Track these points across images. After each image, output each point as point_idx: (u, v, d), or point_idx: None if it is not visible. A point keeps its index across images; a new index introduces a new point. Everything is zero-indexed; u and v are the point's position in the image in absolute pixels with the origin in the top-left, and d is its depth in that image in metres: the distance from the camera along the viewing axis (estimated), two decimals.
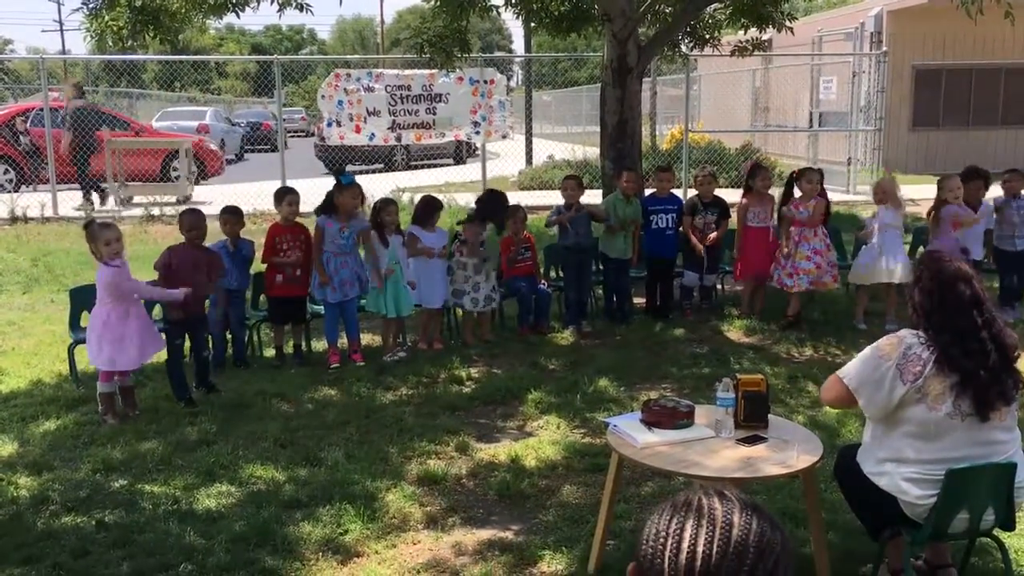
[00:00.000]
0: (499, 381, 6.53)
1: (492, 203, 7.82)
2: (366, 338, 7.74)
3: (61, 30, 61.00)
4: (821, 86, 18.43)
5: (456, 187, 17.20)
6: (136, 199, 15.94)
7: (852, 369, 3.39)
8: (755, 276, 8.25)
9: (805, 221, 7.80)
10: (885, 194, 7.70)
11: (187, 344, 6.32)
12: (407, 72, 14.06)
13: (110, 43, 8.71)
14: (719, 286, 8.97)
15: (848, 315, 8.10)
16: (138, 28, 8.39)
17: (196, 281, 6.16)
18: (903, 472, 3.33)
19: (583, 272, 8.09)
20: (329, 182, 7.31)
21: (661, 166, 8.85)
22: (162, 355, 6.20)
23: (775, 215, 8.11)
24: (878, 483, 3.40)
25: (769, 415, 3.83)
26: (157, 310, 6.75)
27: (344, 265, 7.05)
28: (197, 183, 19.70)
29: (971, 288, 3.30)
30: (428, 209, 7.58)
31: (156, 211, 14.41)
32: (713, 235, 8.23)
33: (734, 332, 7.91)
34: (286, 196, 7.21)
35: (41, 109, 15.61)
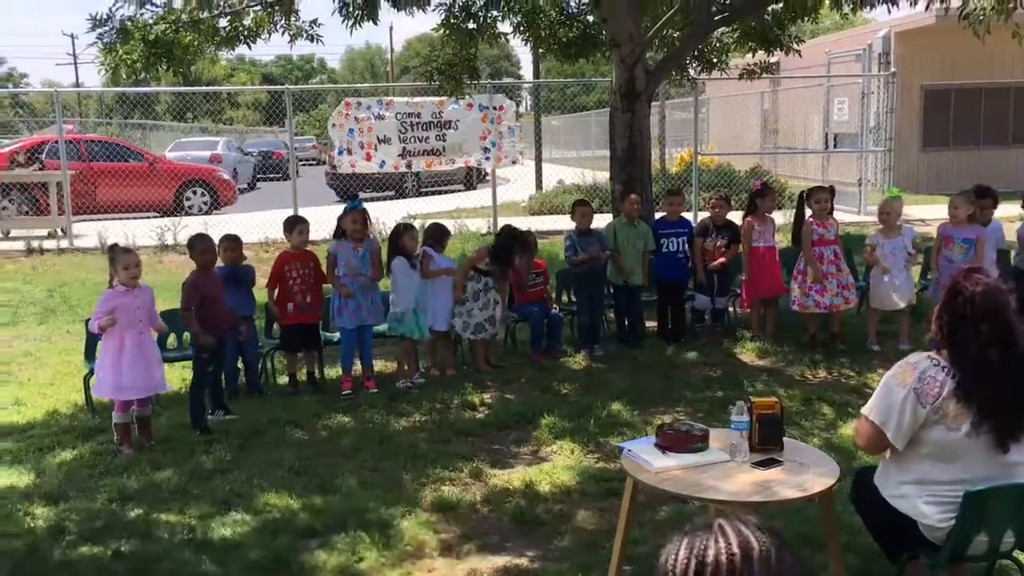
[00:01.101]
0: (512, 406, 6.53)
1: (510, 244, 7.79)
2: (379, 364, 7.75)
3: (75, 63, 61.64)
4: (835, 107, 18.44)
5: (467, 213, 17.28)
6: (13, 232, 15.62)
7: (874, 405, 3.36)
8: (763, 297, 8.25)
9: (832, 239, 7.80)
10: (887, 216, 7.72)
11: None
12: (417, 100, 14.15)
13: (124, 76, 8.82)
14: (731, 308, 8.95)
15: (861, 336, 8.07)
16: (151, 61, 8.50)
17: (220, 306, 6.25)
18: (922, 494, 3.31)
19: (595, 296, 8.10)
20: (340, 210, 7.35)
21: (671, 189, 8.87)
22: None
23: (791, 236, 8.11)
24: (896, 506, 3.37)
25: (784, 438, 3.82)
26: (186, 335, 6.78)
27: (360, 288, 7.07)
28: (210, 212, 19.89)
29: (1002, 320, 3.15)
30: (438, 233, 7.61)
31: (35, 244, 14.17)
32: (718, 261, 8.20)
33: (747, 355, 7.89)
34: (296, 224, 7.26)
35: (56, 141, 15.77)
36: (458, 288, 7.54)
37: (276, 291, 7.20)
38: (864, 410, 3.40)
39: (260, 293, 7.48)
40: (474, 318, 7.57)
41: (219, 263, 6.86)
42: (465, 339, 7.70)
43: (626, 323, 8.37)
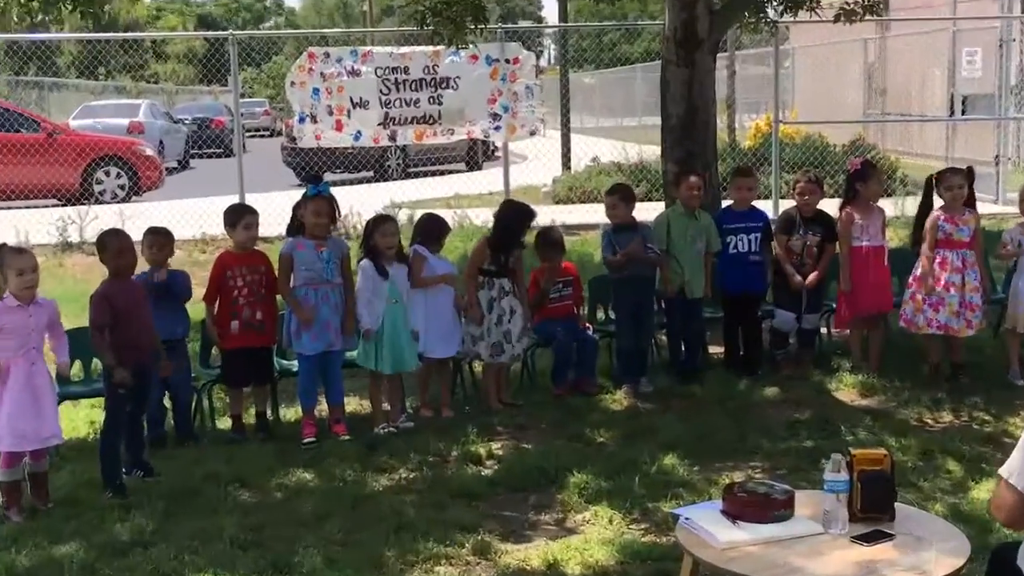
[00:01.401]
0: (530, 460, 6.52)
1: (515, 224, 7.84)
2: (352, 403, 7.75)
3: None
4: (963, 60, 18.41)
5: (470, 201, 17.36)
6: None
7: (1017, 465, 3.34)
8: (867, 313, 8.23)
9: (966, 241, 7.78)
10: None
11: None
12: (404, 50, 14.19)
13: (15, 19, 8.91)
14: (824, 329, 8.93)
15: (1000, 366, 8.03)
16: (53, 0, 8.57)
17: (143, 325, 6.25)
18: None
19: (642, 313, 8.09)
20: (299, 197, 7.38)
21: (740, 168, 8.87)
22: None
23: (912, 234, 8.10)
24: None
25: (895, 503, 3.80)
26: (96, 362, 6.82)
27: (325, 300, 7.09)
28: (128, 199, 19.99)
29: None
30: (432, 228, 7.64)
31: None
32: (813, 276, 8.16)
33: (845, 391, 7.86)
34: (242, 216, 7.27)
35: None
36: (471, 301, 7.57)
37: (216, 305, 7.22)
38: (1003, 471, 3.38)
39: (195, 309, 7.51)
40: (491, 336, 7.60)
41: (141, 268, 6.89)
42: (470, 365, 7.70)
43: (682, 348, 8.35)
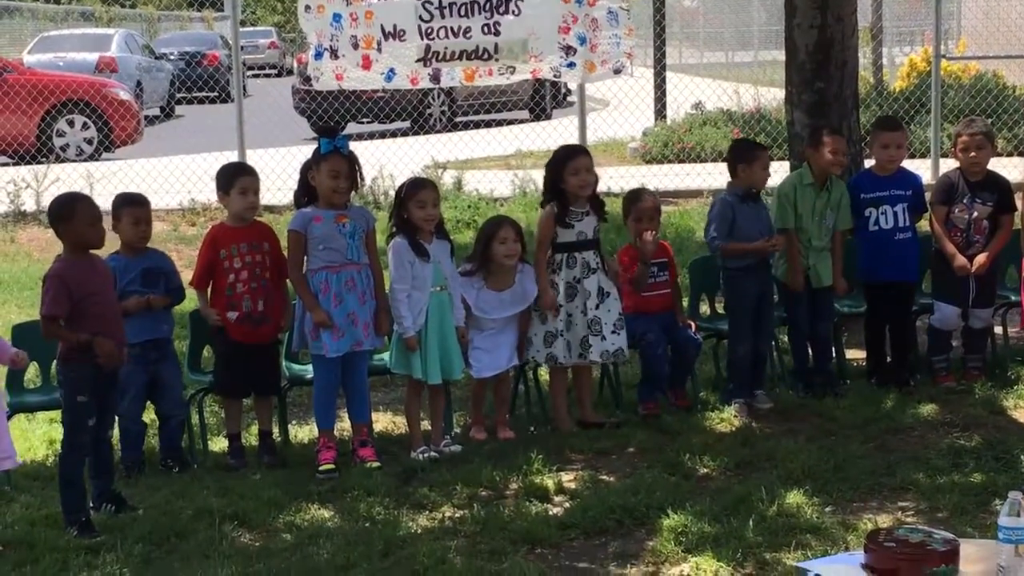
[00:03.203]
0: (611, 496, 6.53)
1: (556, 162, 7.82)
2: (382, 419, 7.79)
3: None
4: None
5: (535, 160, 17.33)
6: None
7: None
8: None
9: None
10: None
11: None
12: None
13: None
14: (999, 328, 8.85)
15: None
16: None
17: (110, 318, 6.31)
18: None
19: (762, 308, 8.06)
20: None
21: (883, 119, 8.77)
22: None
23: None
24: None
25: None
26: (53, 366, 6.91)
27: (350, 287, 7.13)
28: (97, 155, 20.19)
29: None
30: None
31: None
32: (983, 258, 8.08)
33: None
34: (238, 177, 7.34)
35: None
36: (544, 290, 7.56)
37: (209, 292, 7.30)
38: None
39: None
40: (576, 330, 7.58)
41: (111, 248, 6.97)
42: (535, 373, 7.73)
43: (810, 354, 8.32)
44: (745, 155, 8.09)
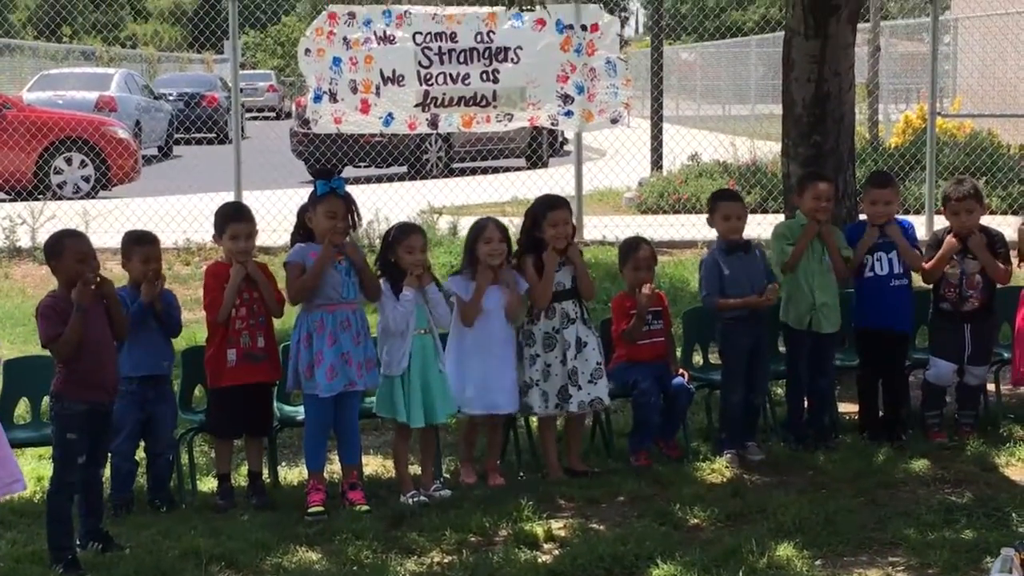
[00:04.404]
0: (601, 544, 6.49)
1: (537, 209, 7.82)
2: (372, 463, 7.76)
3: None
4: None
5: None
6: None
7: None
8: None
9: None
10: None
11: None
12: (451, 11, 14.26)
13: None
14: (992, 384, 8.84)
15: None
16: None
17: (104, 354, 6.31)
18: None
19: (755, 359, 8.06)
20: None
21: (875, 176, 8.77)
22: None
23: None
24: None
25: None
26: (44, 401, 6.90)
27: (344, 326, 7.13)
28: (94, 193, 20.20)
29: None
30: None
31: None
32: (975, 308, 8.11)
33: (1019, 467, 7.78)
34: (229, 225, 7.31)
35: None
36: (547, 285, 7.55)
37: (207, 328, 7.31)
38: None
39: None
40: (553, 380, 7.58)
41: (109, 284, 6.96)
42: (527, 419, 7.73)
43: (805, 404, 8.31)
44: (709, 206, 8.22)
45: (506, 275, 7.53)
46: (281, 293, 7.28)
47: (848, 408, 8.60)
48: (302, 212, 7.29)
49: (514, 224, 14.35)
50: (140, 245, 7.19)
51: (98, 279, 6.27)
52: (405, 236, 7.36)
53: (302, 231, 7.28)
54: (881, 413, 8.38)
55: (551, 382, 7.60)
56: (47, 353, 6.44)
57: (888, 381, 8.37)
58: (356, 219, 7.36)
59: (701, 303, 8.30)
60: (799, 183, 8.67)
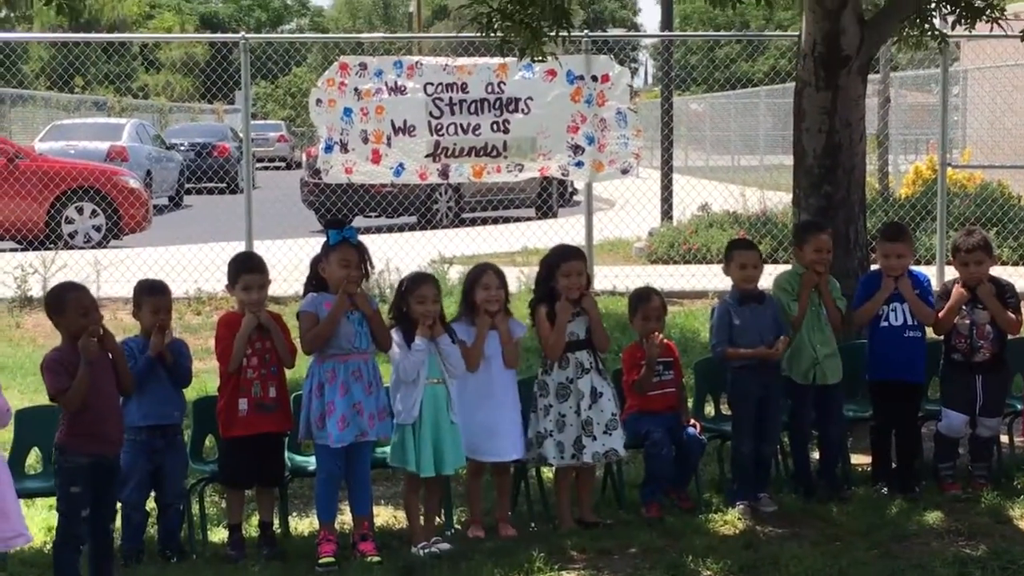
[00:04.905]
0: None
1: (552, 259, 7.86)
2: (384, 514, 7.74)
3: None
4: None
5: (542, 256, 17.37)
6: None
7: None
8: None
9: None
10: None
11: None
12: (461, 62, 14.31)
13: None
14: (1005, 436, 8.82)
15: None
16: None
17: (109, 407, 6.32)
18: None
19: (766, 409, 8.04)
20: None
21: (888, 228, 8.77)
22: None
23: None
24: None
25: None
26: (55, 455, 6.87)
27: (356, 377, 7.13)
28: (105, 243, 20.25)
29: None
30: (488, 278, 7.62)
31: None
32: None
33: None
34: (241, 276, 7.30)
35: None
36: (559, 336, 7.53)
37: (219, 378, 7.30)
38: None
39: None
40: (568, 431, 7.57)
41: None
42: (538, 469, 7.71)
43: (818, 456, 8.29)
44: (725, 254, 8.25)
45: (500, 322, 7.54)
46: (294, 343, 7.28)
47: (861, 460, 8.56)
48: (315, 262, 7.30)
49: (524, 273, 14.52)
50: (150, 295, 7.18)
51: (100, 332, 6.30)
52: (417, 286, 7.37)
53: (315, 280, 7.28)
54: (894, 465, 8.34)
55: (566, 432, 7.58)
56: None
57: (901, 433, 8.34)
58: (369, 268, 7.37)
59: (712, 352, 8.29)
60: (798, 233, 8.66)
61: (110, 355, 6.45)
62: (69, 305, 6.39)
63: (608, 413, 7.63)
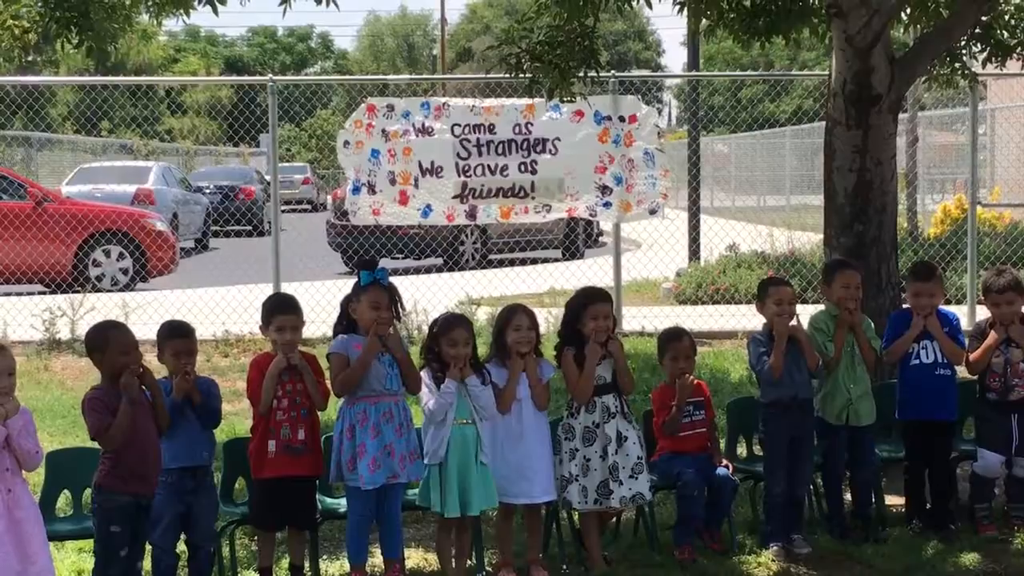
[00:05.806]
0: None
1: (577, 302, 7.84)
2: (415, 556, 7.72)
3: None
4: None
5: (569, 297, 17.37)
6: None
7: None
8: None
9: None
10: None
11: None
12: (488, 103, 14.36)
13: (4, 57, 9.14)
14: None
15: None
16: (56, 28, 8.73)
17: (148, 446, 6.35)
18: None
19: (798, 450, 8.01)
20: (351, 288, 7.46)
21: (917, 268, 8.75)
22: None
23: None
24: None
25: None
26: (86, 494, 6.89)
27: (387, 419, 7.12)
28: (132, 285, 20.32)
29: None
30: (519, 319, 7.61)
31: None
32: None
33: None
34: (275, 316, 7.31)
35: None
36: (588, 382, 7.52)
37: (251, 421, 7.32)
38: None
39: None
40: (593, 475, 7.54)
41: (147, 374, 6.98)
42: (569, 512, 7.68)
43: (851, 496, 8.26)
44: (759, 292, 8.21)
45: (530, 364, 7.52)
46: (327, 386, 7.28)
47: (895, 500, 8.51)
48: (345, 303, 7.31)
49: (552, 315, 14.51)
50: (172, 338, 7.10)
51: (141, 370, 6.32)
52: (449, 329, 7.34)
53: (345, 322, 7.29)
54: (929, 505, 8.29)
55: (590, 477, 7.54)
56: (88, 445, 6.46)
57: (935, 472, 8.30)
58: (400, 309, 7.37)
59: (756, 377, 8.25)
60: (826, 271, 8.67)
61: (147, 393, 6.47)
62: (111, 343, 6.43)
63: (634, 457, 7.60)
